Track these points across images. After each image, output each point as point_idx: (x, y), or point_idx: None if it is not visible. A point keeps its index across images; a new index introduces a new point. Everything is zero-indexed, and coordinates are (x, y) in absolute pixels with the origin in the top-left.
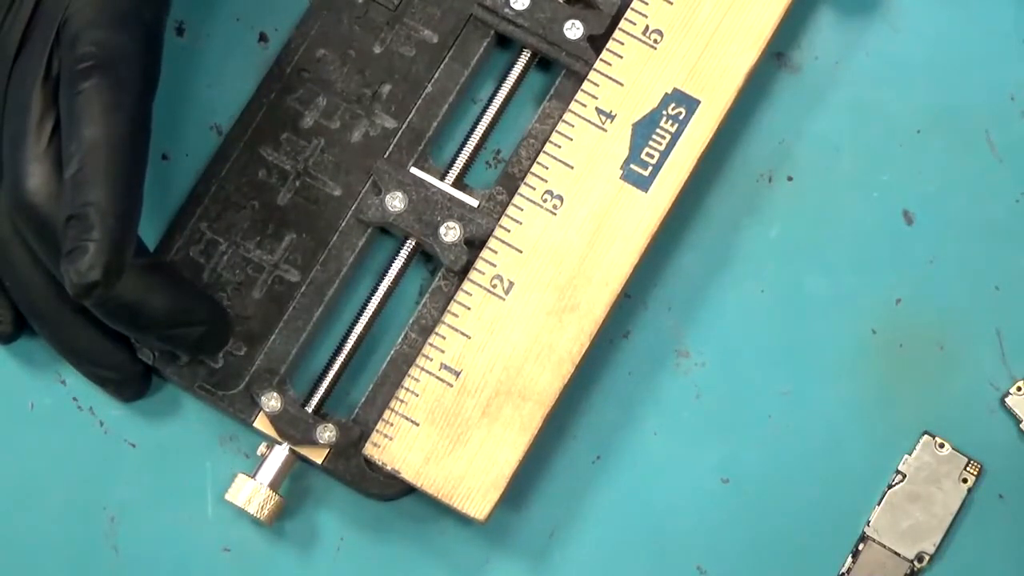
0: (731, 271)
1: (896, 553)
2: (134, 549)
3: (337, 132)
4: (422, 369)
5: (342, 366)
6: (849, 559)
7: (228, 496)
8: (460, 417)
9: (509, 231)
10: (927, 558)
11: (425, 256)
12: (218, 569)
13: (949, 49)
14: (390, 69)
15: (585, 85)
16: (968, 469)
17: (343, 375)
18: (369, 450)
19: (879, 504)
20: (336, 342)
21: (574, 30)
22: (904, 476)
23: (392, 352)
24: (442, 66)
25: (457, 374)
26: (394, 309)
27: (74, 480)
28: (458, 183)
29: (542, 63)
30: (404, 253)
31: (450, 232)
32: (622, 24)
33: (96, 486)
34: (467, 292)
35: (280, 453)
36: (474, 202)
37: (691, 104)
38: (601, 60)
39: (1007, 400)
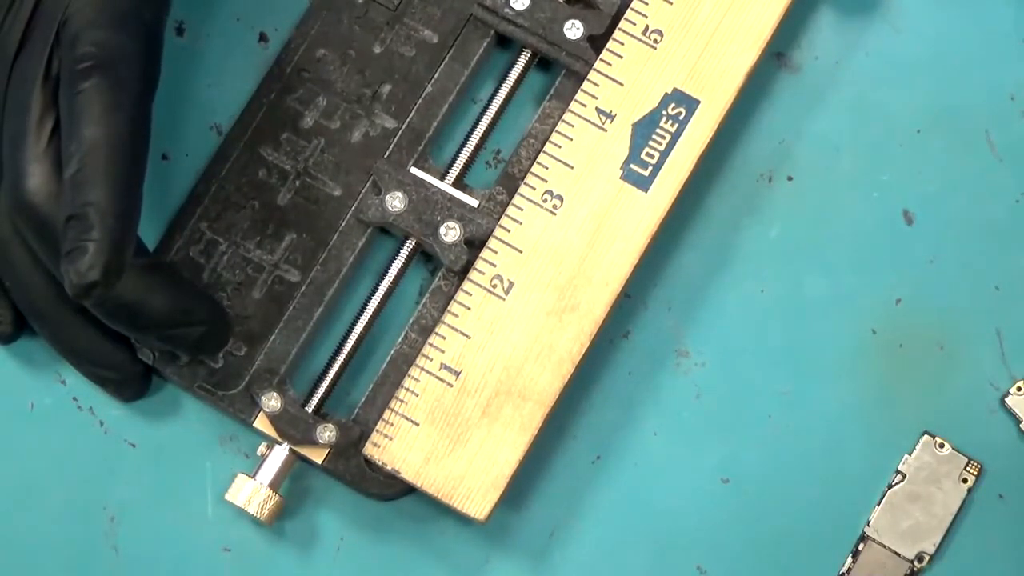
0: (731, 271)
1: (896, 553)
2: (134, 549)
3: (337, 132)
4: (422, 369)
5: (342, 366)
6: (849, 559)
7: (228, 496)
8: (460, 417)
9: (509, 231)
10: (927, 558)
11: (425, 256)
12: (218, 569)
13: (949, 49)
14: (390, 69)
15: (585, 85)
16: (968, 469)
17: (343, 375)
18: (369, 450)
19: (879, 504)
20: (336, 342)
21: (574, 30)
22: (904, 476)
23: (392, 352)
24: (442, 66)
25: (457, 374)
26: (394, 309)
27: (74, 480)
28: (458, 183)
29: (542, 63)
30: (404, 253)
31: (450, 232)
32: (622, 24)
33: (96, 486)
34: (467, 292)
35: (280, 453)
36: (474, 202)
37: (691, 104)
38: (601, 60)
39: (1007, 400)
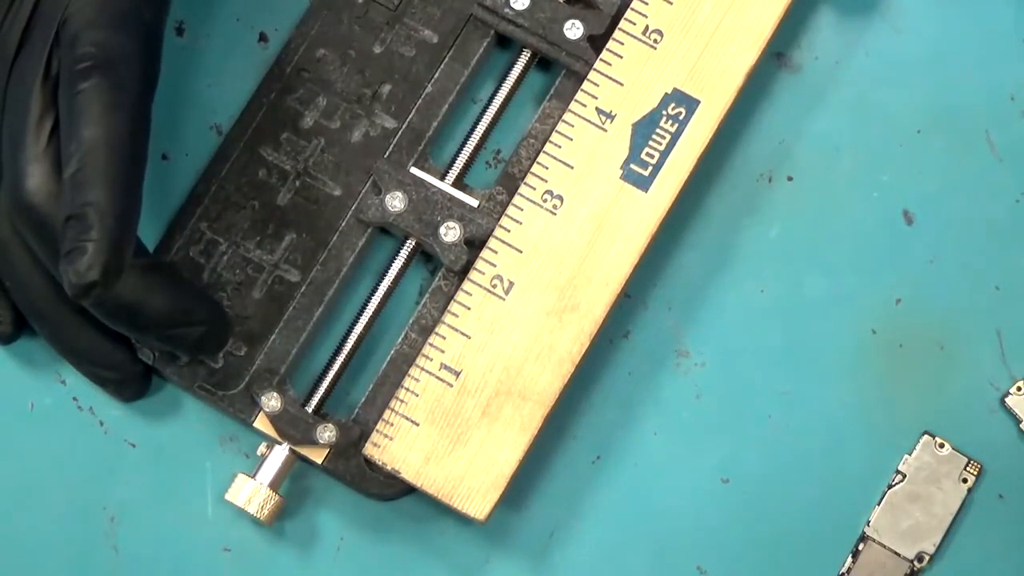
0: (731, 271)
1: (896, 553)
2: (134, 549)
3: (337, 132)
4: (422, 369)
5: (342, 366)
6: (849, 559)
7: (228, 496)
8: (460, 417)
9: (509, 231)
10: (927, 558)
11: (425, 256)
12: (218, 569)
13: (949, 49)
14: (390, 69)
15: (585, 85)
16: (968, 469)
17: (343, 375)
18: (369, 450)
19: (879, 504)
20: (336, 342)
21: (574, 30)
22: (904, 476)
23: (392, 352)
24: (442, 66)
25: (457, 374)
26: (394, 309)
27: (74, 480)
28: (458, 183)
29: (542, 63)
30: (404, 253)
31: (450, 232)
32: (622, 24)
33: (96, 486)
34: (467, 292)
35: (280, 453)
36: (474, 202)
37: (691, 104)
38: (601, 60)
39: (1007, 400)
